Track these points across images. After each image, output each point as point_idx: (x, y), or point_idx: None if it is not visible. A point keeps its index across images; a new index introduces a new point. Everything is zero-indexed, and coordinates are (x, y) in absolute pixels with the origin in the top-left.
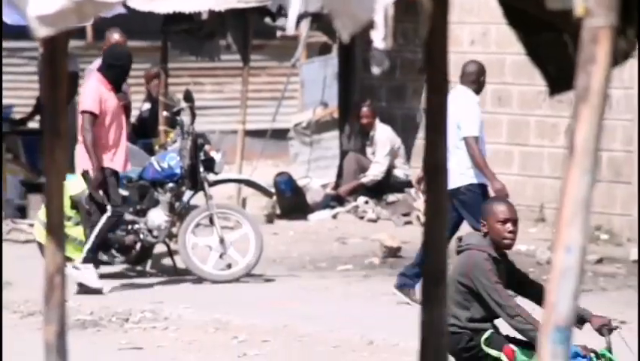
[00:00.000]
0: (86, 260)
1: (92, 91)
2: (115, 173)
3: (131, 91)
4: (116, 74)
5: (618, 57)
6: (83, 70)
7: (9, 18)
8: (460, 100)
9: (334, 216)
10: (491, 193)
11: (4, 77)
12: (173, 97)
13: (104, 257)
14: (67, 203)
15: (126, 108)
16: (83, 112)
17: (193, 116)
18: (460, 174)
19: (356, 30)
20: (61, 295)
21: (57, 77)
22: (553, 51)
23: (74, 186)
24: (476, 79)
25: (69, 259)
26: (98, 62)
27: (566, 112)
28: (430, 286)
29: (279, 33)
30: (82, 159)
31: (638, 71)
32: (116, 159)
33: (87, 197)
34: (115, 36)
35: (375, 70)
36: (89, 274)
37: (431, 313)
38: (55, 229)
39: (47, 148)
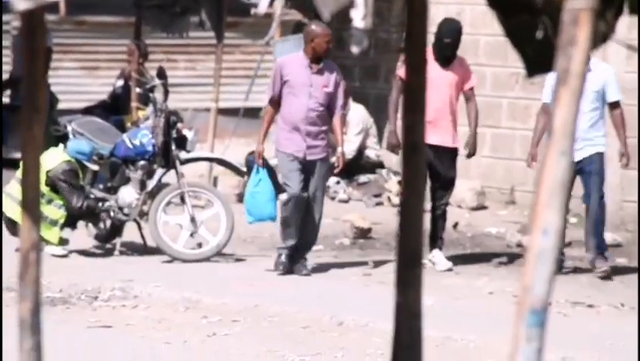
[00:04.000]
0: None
1: None
2: None
3: (104, 67)
4: None
5: (597, 40)
6: (56, 45)
7: None
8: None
9: None
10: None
11: None
12: (146, 74)
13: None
14: (42, 179)
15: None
16: None
17: (166, 93)
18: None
19: (337, 8)
20: (36, 272)
21: (36, 51)
22: (532, 33)
23: (50, 160)
24: None
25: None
26: None
27: (538, 94)
28: (405, 267)
29: (252, 11)
30: None
31: (638, 61)
32: None
33: (64, 171)
34: None
35: (355, 49)
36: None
37: (406, 295)
38: (30, 204)
39: (25, 122)
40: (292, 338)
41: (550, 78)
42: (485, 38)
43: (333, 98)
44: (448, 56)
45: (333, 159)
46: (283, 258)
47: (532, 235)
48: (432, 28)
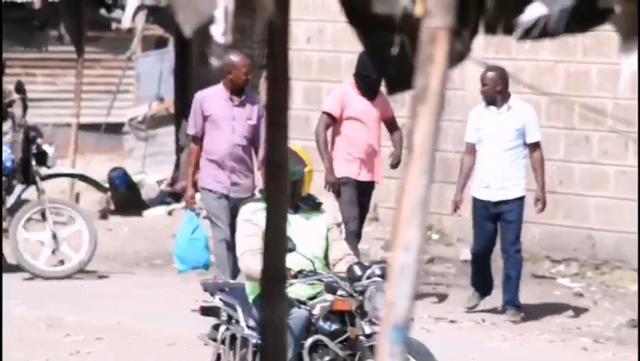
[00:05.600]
0: None
1: None
2: None
3: None
4: None
5: (454, 59)
6: None
7: None
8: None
9: (170, 213)
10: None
11: None
12: (4, 88)
13: None
14: None
15: None
16: None
17: (25, 108)
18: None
19: (198, 24)
20: None
21: None
22: (391, 51)
23: None
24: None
25: None
26: None
27: (402, 111)
28: (269, 283)
29: (114, 25)
30: None
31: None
32: None
33: None
34: None
35: (216, 64)
36: None
37: (272, 311)
38: None
39: None
40: (158, 355)
41: (474, 116)
42: (347, 55)
43: (257, 131)
44: (375, 90)
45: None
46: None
47: (394, 252)
48: (294, 45)
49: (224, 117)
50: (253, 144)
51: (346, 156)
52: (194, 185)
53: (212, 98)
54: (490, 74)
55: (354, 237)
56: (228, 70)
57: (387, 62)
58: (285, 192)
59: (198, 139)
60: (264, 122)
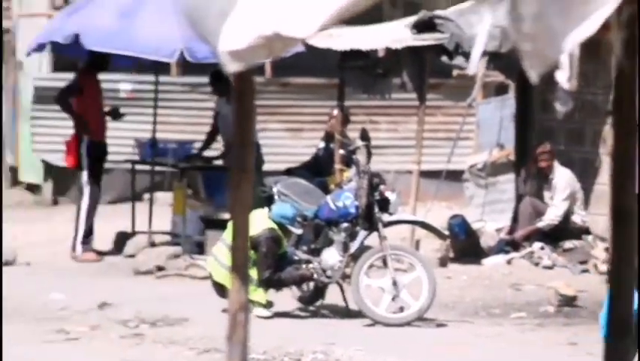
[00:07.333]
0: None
1: None
2: None
3: (308, 128)
4: None
5: None
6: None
7: (197, 54)
8: None
9: (508, 262)
10: None
11: (185, 113)
12: (348, 135)
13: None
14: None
15: None
16: None
17: (369, 155)
18: None
19: (545, 70)
20: (243, 333)
21: (246, 112)
22: None
23: (255, 225)
24: None
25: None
26: None
27: None
28: (616, 337)
29: (455, 72)
30: None
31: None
32: None
33: (267, 238)
34: None
35: (560, 109)
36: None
37: None
38: (239, 266)
39: (234, 184)
40: None
41: None
42: None
43: None
44: None
45: None
46: None
47: None
48: None
49: None
50: None
51: None
52: None
53: None
54: None
55: None
56: None
57: None
58: (633, 241)
59: None
60: None
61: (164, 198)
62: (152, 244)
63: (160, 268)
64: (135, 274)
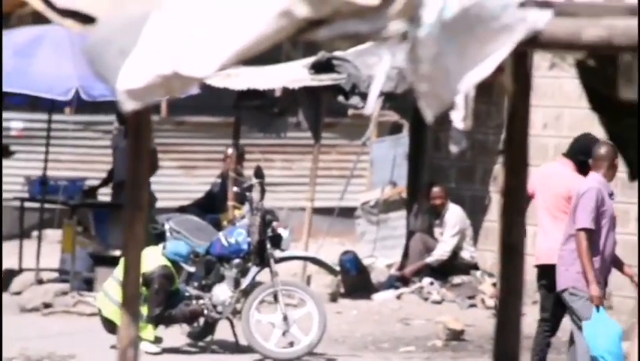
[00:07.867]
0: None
1: None
2: None
3: (202, 166)
4: None
5: None
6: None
7: (93, 92)
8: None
9: (398, 297)
10: None
11: (78, 151)
12: (243, 173)
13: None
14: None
15: None
16: None
17: (263, 192)
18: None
19: (441, 110)
20: None
21: (141, 150)
22: (634, 136)
23: (148, 262)
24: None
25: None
26: None
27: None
28: None
29: (350, 111)
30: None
31: None
32: None
33: (159, 276)
34: None
35: (454, 149)
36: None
37: None
38: (130, 301)
39: (128, 220)
40: None
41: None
42: None
43: None
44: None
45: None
46: None
47: None
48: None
49: (612, 213)
50: None
51: None
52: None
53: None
54: None
55: None
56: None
57: (628, 146)
58: (519, 276)
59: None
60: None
61: (53, 235)
62: (40, 281)
63: (47, 305)
64: (21, 312)
